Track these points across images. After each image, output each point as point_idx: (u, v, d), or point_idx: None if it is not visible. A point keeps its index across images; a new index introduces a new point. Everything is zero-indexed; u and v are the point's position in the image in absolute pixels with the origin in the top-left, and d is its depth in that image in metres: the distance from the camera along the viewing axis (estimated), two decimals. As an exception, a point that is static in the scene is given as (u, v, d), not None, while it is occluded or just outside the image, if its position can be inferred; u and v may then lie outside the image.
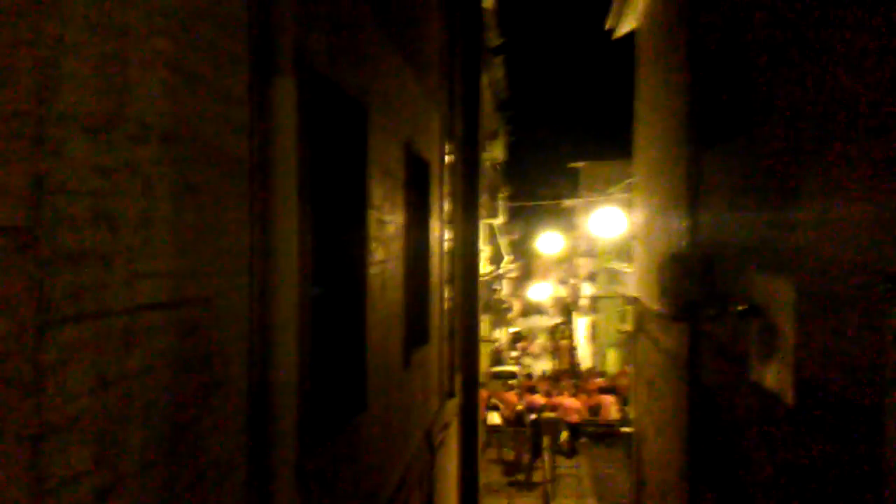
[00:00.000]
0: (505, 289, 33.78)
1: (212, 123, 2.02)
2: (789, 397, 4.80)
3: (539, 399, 17.81)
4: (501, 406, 17.00)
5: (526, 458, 14.91)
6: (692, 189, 7.79)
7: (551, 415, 15.73)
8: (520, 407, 16.74)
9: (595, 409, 17.30)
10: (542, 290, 44.82)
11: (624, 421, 15.50)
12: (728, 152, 6.74)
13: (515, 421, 16.34)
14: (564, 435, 15.43)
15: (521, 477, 14.71)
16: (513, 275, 35.93)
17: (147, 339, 1.69)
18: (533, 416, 15.34)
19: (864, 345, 3.65)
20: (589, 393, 19.19)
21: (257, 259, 2.27)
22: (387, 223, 4.34)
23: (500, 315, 33.58)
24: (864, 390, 3.62)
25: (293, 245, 2.36)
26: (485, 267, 19.17)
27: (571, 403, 17.50)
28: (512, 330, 41.08)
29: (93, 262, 1.49)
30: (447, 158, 7.24)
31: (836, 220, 4.06)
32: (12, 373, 1.29)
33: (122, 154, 1.60)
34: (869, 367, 3.58)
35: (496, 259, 26.00)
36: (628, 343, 16.84)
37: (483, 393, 17.75)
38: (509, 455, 15.31)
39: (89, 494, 1.47)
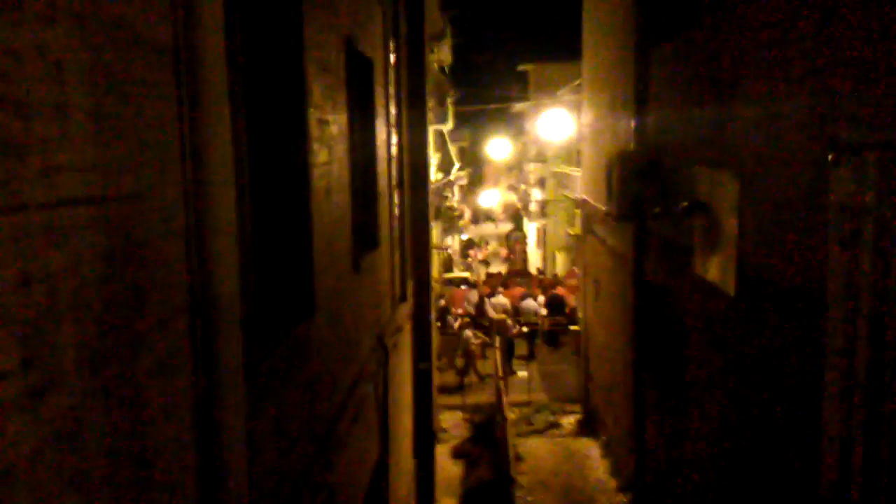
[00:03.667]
0: (455, 196, 33.78)
1: (130, 5, 1.87)
2: (731, 288, 4.96)
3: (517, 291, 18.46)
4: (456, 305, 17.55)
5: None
6: (639, 88, 7.76)
7: (503, 316, 16.12)
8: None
9: (559, 302, 17.83)
10: (492, 197, 44.95)
11: (573, 319, 16.13)
12: (674, 49, 6.68)
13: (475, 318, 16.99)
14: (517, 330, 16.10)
15: (474, 378, 15.17)
16: (463, 182, 35.88)
17: (72, 236, 1.60)
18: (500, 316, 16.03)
19: (804, 228, 3.74)
20: (552, 286, 19.93)
21: (189, 155, 2.16)
22: (329, 124, 4.21)
23: (451, 222, 33.73)
24: (804, 274, 3.73)
25: (226, 140, 2.25)
26: (435, 174, 19.07)
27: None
28: (463, 237, 41.42)
29: (2, 152, 1.38)
30: (392, 58, 7.01)
31: (780, 105, 4.08)
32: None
33: (28, 34, 1.47)
34: (809, 250, 3.68)
35: (446, 166, 25.86)
36: (576, 246, 17.19)
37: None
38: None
39: (21, 394, 1.42)
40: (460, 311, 18.04)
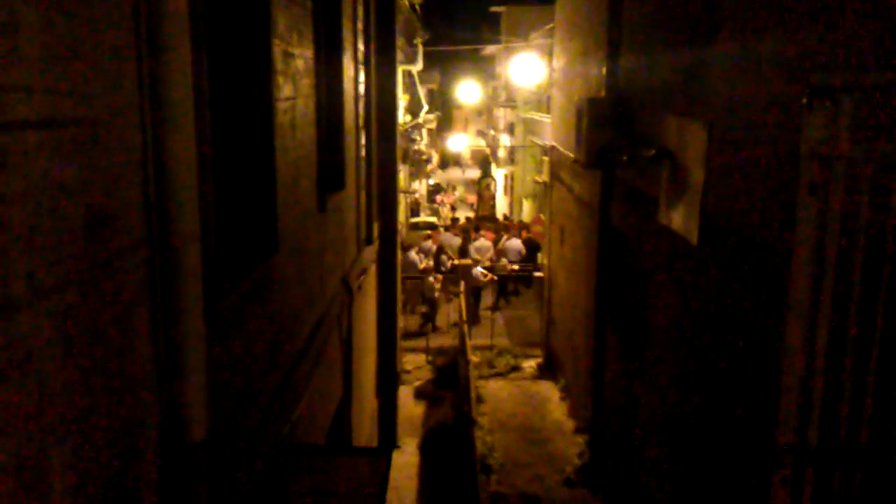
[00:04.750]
0: (423, 139, 33.46)
1: (81, -82, 1.76)
2: (694, 237, 5.01)
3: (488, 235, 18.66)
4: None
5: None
6: (612, 34, 7.67)
7: (467, 261, 16.20)
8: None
9: (535, 245, 18.09)
10: (460, 142, 44.65)
11: (537, 266, 16.37)
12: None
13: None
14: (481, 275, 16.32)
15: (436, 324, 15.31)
16: (431, 125, 35.50)
17: (23, 161, 1.54)
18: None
19: (771, 177, 3.77)
20: (522, 230, 20.12)
21: (147, 82, 2.08)
22: (294, 57, 4.09)
23: (419, 166, 33.52)
24: (769, 224, 3.78)
25: (186, 68, 2.17)
26: (403, 116, 18.83)
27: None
28: (430, 182, 41.26)
29: (-56, 68, 1.31)
30: (361, -7, 6.81)
31: (753, 51, 4.05)
32: None
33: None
34: (774, 200, 3.72)
35: (414, 108, 25.54)
36: (543, 193, 17.26)
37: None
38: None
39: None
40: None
